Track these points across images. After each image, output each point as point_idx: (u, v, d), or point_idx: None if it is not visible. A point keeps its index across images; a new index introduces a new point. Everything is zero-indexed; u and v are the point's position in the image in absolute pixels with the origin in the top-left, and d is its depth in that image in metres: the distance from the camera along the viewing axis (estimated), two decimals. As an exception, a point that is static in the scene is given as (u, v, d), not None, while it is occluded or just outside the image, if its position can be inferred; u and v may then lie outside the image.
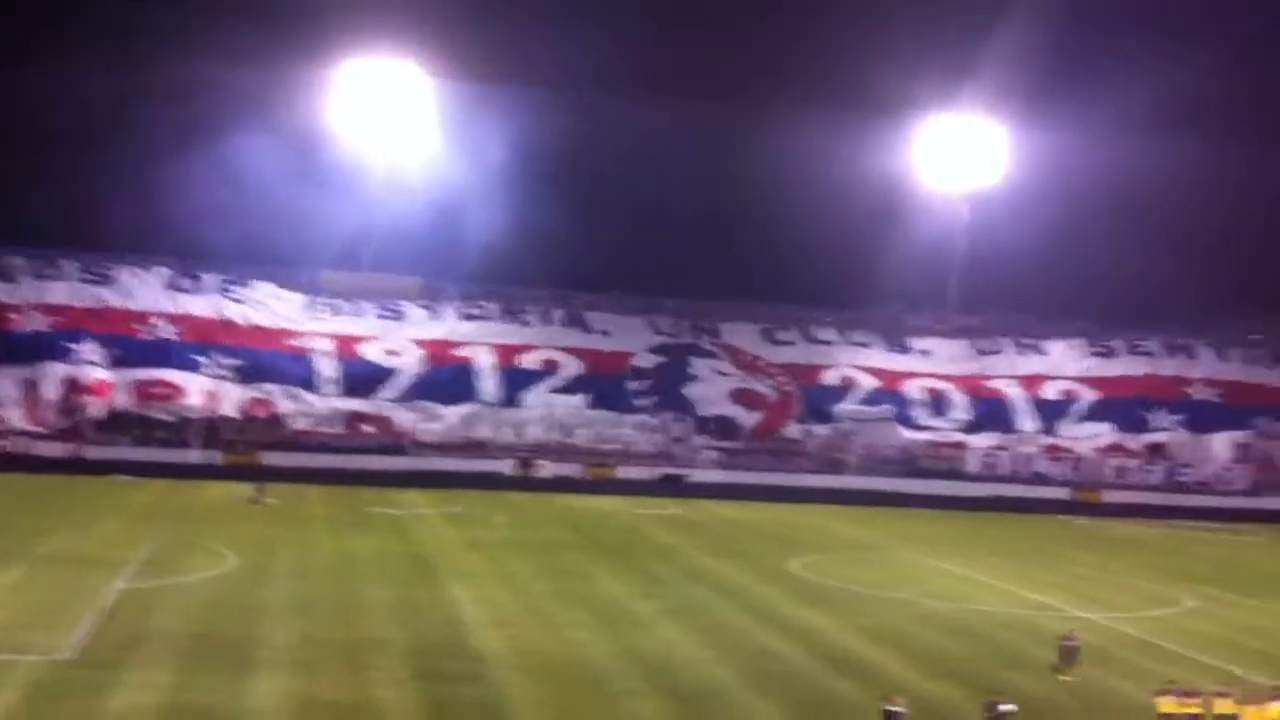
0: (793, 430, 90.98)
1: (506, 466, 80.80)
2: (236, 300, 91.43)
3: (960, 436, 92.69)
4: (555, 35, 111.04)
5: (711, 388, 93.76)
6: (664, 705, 29.24)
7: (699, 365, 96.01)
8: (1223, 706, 28.51)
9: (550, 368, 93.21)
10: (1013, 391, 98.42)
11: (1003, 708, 26.38)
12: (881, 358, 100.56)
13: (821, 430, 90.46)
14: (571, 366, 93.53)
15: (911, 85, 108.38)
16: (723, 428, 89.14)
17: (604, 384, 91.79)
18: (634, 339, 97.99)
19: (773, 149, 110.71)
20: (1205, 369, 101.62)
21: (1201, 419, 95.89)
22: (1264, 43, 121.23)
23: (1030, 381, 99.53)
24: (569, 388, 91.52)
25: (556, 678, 31.09)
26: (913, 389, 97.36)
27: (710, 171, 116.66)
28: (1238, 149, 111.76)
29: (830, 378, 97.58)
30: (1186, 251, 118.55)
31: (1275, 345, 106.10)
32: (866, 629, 38.99)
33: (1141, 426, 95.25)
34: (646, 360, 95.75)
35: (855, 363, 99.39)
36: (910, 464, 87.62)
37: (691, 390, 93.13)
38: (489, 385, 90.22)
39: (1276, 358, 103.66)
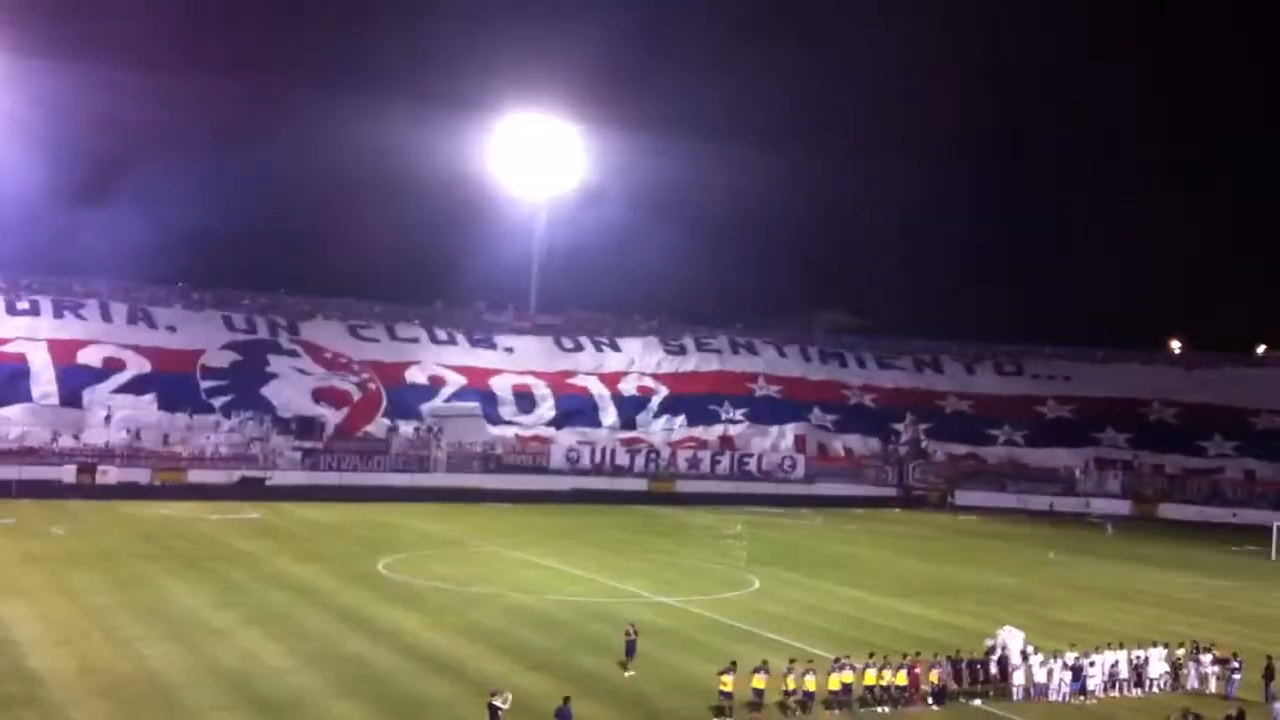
0: (378, 428, 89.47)
1: (66, 473, 74.36)
2: None
3: (545, 431, 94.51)
4: (119, 10, 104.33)
5: (292, 386, 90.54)
6: (245, 718, 27.77)
7: (278, 363, 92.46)
8: (789, 681, 30.39)
9: (113, 366, 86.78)
10: (594, 388, 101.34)
11: (497, 703, 26.53)
12: (467, 355, 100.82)
13: (407, 428, 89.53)
14: (137, 365, 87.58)
15: (494, 88, 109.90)
16: (304, 427, 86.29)
17: (173, 383, 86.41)
18: (206, 336, 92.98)
19: (357, 145, 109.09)
20: (767, 366, 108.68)
21: (764, 412, 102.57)
22: (835, 59, 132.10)
23: (609, 378, 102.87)
24: (134, 387, 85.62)
25: (127, 696, 28.87)
26: (498, 386, 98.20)
27: (291, 166, 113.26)
28: (798, 161, 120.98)
29: (416, 375, 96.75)
30: (749, 255, 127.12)
31: (826, 343, 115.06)
32: (455, 625, 38.80)
33: (711, 419, 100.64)
34: (220, 358, 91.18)
35: (441, 360, 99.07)
36: (496, 460, 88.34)
37: (270, 389, 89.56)
38: (43, 385, 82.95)
39: (825, 355, 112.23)
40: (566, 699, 27.04)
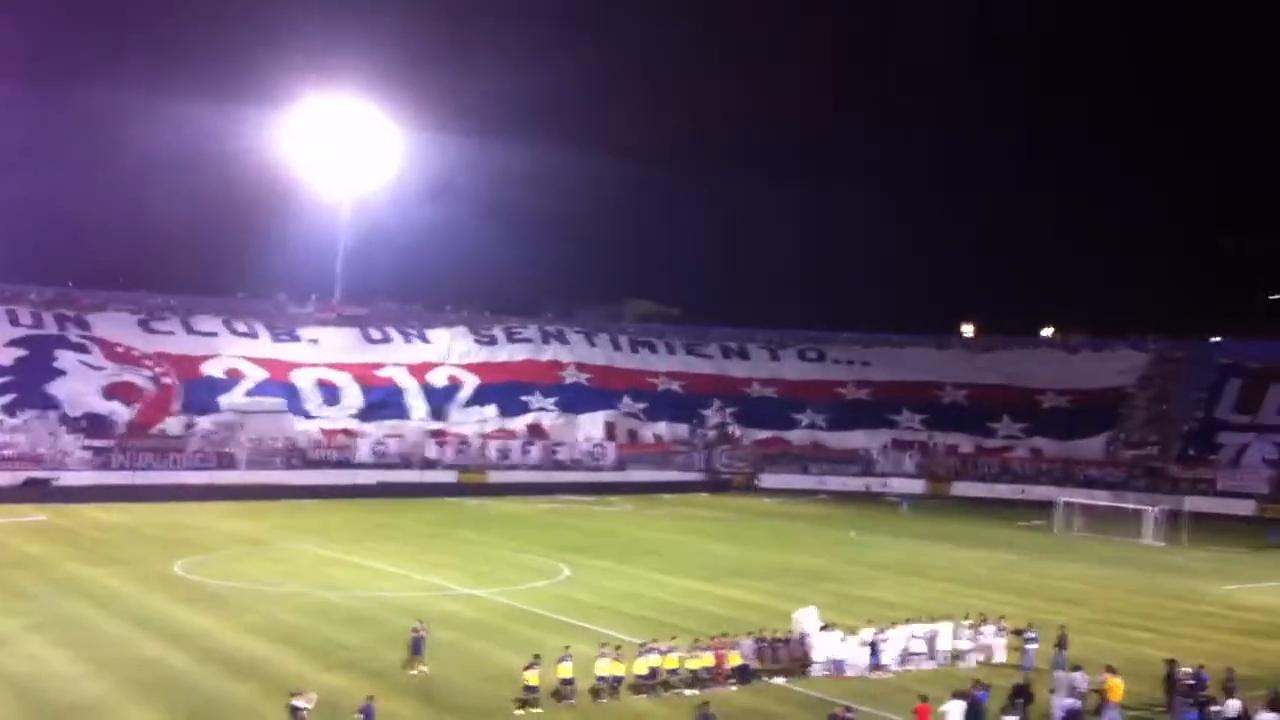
0: (173, 425, 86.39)
1: None
2: None
3: (351, 425, 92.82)
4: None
5: (80, 382, 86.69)
6: (31, 731, 26.65)
7: (66, 358, 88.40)
8: (601, 668, 30.67)
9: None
10: (402, 380, 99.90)
11: (299, 703, 26.24)
12: (268, 348, 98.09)
13: (205, 424, 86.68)
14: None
15: (295, 74, 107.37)
16: (95, 425, 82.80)
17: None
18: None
19: (151, 131, 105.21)
20: (576, 354, 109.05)
21: (574, 401, 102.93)
22: (640, 53, 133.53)
23: (418, 370, 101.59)
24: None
25: (-103, 715, 27.33)
26: (302, 379, 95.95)
27: (79, 153, 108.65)
28: (606, 152, 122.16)
29: (214, 368, 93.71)
30: (558, 245, 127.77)
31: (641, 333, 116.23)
32: (258, 626, 37.87)
33: (521, 409, 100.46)
34: (3, 355, 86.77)
35: (241, 353, 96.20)
36: (301, 455, 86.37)
37: (57, 386, 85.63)
38: None
39: (637, 344, 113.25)
40: (370, 698, 26.70)
